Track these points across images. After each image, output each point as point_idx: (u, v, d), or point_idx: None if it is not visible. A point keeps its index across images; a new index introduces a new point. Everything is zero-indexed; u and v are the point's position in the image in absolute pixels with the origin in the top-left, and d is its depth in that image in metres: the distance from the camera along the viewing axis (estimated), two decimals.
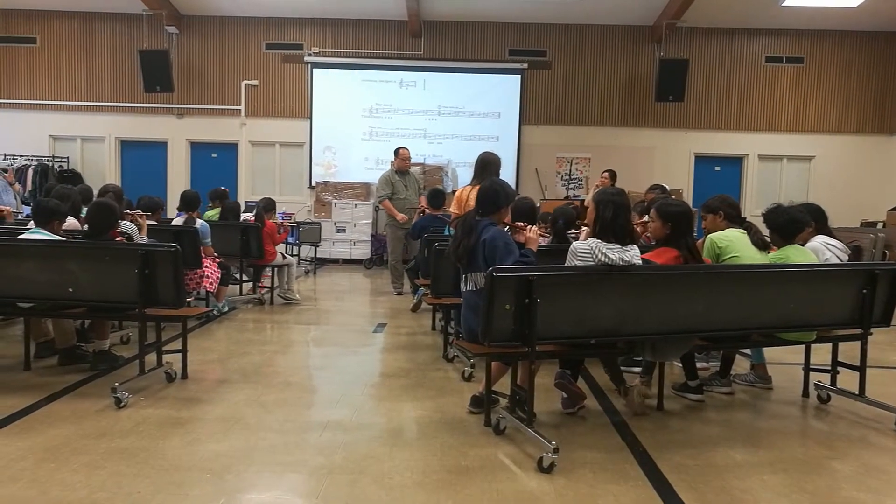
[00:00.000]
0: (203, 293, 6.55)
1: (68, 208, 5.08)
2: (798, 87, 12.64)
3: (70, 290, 4.13)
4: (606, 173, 9.07)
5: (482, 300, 3.30)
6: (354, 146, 12.65)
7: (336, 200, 11.92)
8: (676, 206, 4.04)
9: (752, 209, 12.37)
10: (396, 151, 8.54)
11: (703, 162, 12.85)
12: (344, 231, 11.89)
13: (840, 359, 4.26)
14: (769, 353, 4.69)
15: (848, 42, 12.53)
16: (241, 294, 7.93)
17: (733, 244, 4.17)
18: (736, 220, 4.44)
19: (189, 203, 6.69)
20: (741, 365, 4.95)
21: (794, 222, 4.24)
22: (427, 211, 7.44)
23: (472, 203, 5.34)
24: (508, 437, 3.50)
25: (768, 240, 4.31)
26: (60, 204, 4.80)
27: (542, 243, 4.95)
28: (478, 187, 5.42)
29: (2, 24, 12.55)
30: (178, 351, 4.47)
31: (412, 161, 11.87)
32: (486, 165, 5.65)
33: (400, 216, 8.23)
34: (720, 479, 3.06)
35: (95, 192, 6.31)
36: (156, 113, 12.66)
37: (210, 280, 6.26)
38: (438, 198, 7.47)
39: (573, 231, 5.34)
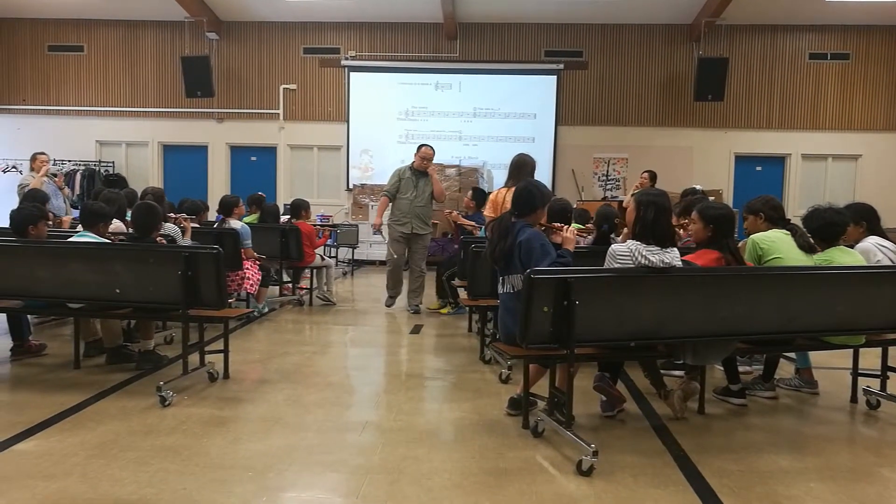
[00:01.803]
0: (244, 294, 6.67)
1: (114, 211, 5.23)
2: (843, 84, 12.32)
3: (117, 291, 4.25)
4: (646, 174, 8.95)
5: (520, 302, 3.29)
6: (391, 149, 12.72)
7: (373, 203, 12.00)
8: (718, 209, 3.97)
9: (796, 210, 12.06)
10: (418, 148, 7.29)
11: (743, 162, 12.61)
12: (381, 233, 11.94)
13: (890, 363, 4.13)
14: (815, 357, 4.57)
15: None
16: (280, 295, 8.04)
17: (776, 245, 4.08)
18: (778, 221, 4.34)
19: (227, 207, 6.83)
20: (786, 369, 4.84)
21: (828, 226, 4.13)
22: (469, 211, 7.57)
23: (508, 205, 5.33)
24: (547, 439, 3.48)
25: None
26: (105, 207, 4.94)
27: (582, 244, 4.92)
28: (513, 189, 5.44)
29: (52, 34, 12.99)
30: (220, 351, 4.56)
31: (447, 164, 12.02)
32: (521, 167, 5.63)
33: (376, 220, 7.42)
34: (764, 485, 3.00)
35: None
36: (197, 118, 12.94)
37: (251, 281, 6.37)
38: (483, 195, 7.56)
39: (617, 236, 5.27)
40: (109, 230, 4.99)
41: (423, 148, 7.25)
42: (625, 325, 3.39)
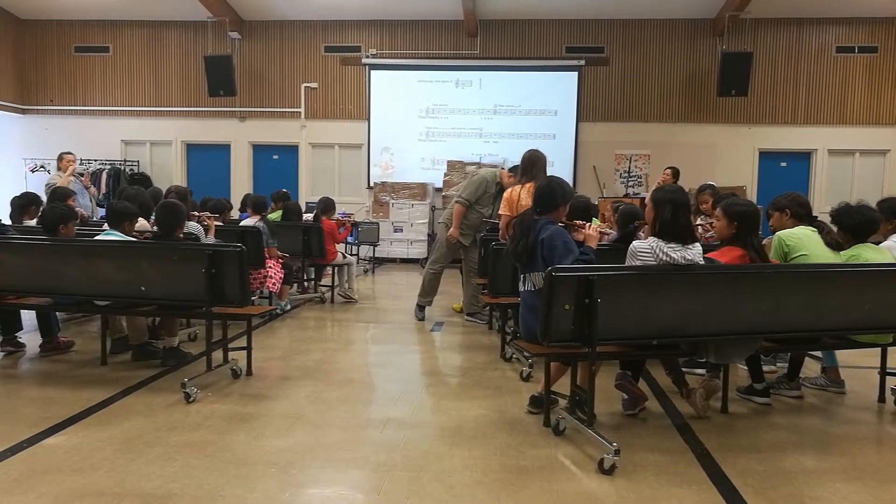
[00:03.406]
0: (266, 292, 6.73)
1: (138, 209, 5.29)
2: (871, 78, 12.09)
3: (142, 288, 4.31)
4: (668, 171, 8.86)
5: (541, 300, 3.29)
6: (411, 147, 12.76)
7: (393, 201, 12.05)
8: (742, 205, 3.93)
9: (822, 206, 11.86)
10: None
11: (768, 158, 12.44)
12: (401, 231, 12.01)
13: None
14: (841, 355, 4.50)
15: None
16: (302, 293, 8.09)
17: (802, 242, 4.03)
18: (805, 218, 4.28)
19: (257, 206, 6.92)
20: (811, 368, 4.78)
21: (868, 223, 4.12)
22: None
23: (523, 203, 5.29)
24: (568, 437, 3.47)
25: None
26: (130, 206, 5.01)
27: (605, 241, 4.88)
28: (528, 186, 5.39)
29: (78, 35, 13.19)
30: (243, 348, 4.61)
31: (467, 162, 12.02)
32: (535, 163, 5.55)
33: (452, 233, 6.46)
34: (790, 485, 2.96)
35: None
36: (219, 116, 13.07)
37: (273, 280, 6.42)
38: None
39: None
40: (136, 229, 5.06)
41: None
42: (647, 324, 3.37)
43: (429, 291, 6.80)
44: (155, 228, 5.21)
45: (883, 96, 12.09)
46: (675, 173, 8.77)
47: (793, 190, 4.62)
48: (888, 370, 4.19)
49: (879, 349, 4.14)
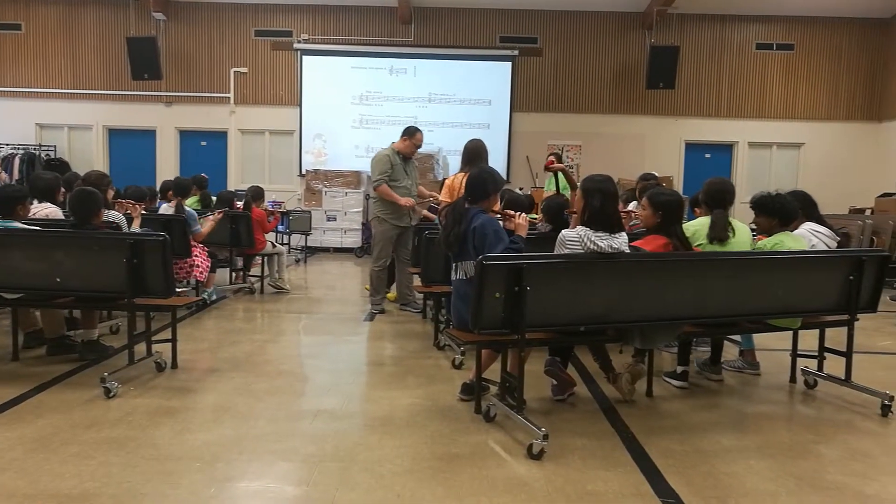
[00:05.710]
0: (193, 282, 6.53)
1: (28, 190, 5.02)
2: (788, 74, 12.68)
3: (57, 279, 4.10)
4: (553, 157, 9.07)
5: (472, 288, 3.31)
6: (345, 134, 12.60)
7: (326, 189, 11.88)
8: (667, 195, 4.04)
9: (743, 196, 12.39)
10: (412, 132, 6.46)
11: (693, 149, 12.89)
12: (335, 219, 11.86)
13: (827, 345, 4.30)
14: (758, 338, 4.72)
15: (838, 29, 12.56)
16: (230, 283, 7.89)
17: (699, 232, 4.14)
18: (713, 205, 4.32)
19: (178, 190, 6.70)
20: (730, 351, 4.99)
21: (796, 211, 4.34)
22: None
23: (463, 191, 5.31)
24: (499, 424, 3.52)
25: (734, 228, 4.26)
26: (20, 188, 4.76)
27: (543, 231, 4.96)
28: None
29: None
30: (167, 340, 4.45)
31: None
32: (478, 152, 5.62)
33: (405, 200, 6.33)
34: (707, 463, 3.09)
35: None
36: (144, 101, 12.56)
37: (200, 269, 6.23)
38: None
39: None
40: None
41: (419, 134, 6.52)
42: (575, 310, 3.44)
43: (378, 290, 6.62)
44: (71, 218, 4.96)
45: (798, 92, 12.70)
46: (559, 157, 9.00)
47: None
48: (799, 352, 4.42)
49: (791, 332, 4.36)
